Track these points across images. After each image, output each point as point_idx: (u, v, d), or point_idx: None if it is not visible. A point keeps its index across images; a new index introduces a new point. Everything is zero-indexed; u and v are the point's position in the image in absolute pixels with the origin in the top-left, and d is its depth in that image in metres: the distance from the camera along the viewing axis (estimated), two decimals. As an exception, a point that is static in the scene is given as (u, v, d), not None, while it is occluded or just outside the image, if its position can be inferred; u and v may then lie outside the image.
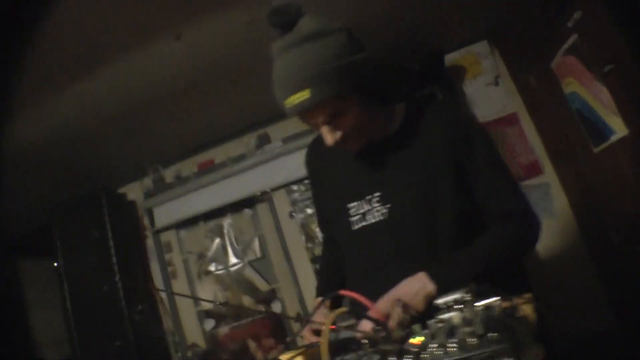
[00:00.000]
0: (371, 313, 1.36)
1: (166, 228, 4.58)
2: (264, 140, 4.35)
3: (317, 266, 4.15)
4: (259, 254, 4.39)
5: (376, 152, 1.64)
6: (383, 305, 1.41)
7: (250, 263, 4.40)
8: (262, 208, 4.40)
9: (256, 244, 4.39)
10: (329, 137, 1.50)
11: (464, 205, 1.58)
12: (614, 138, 2.89)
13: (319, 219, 2.05)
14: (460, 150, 1.57)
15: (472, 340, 0.99)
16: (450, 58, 4.04)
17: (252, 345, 4.30)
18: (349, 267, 1.81)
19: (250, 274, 4.38)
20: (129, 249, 4.50)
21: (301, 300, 4.17)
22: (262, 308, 4.33)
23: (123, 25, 2.70)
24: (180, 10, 2.70)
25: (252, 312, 4.33)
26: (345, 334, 1.40)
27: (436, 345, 1.03)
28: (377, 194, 1.64)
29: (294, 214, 4.26)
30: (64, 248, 4.42)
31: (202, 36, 2.98)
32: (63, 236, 4.42)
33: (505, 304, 1.11)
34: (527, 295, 1.26)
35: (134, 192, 4.72)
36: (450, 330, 1.06)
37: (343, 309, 1.39)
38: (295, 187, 4.27)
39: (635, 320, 3.18)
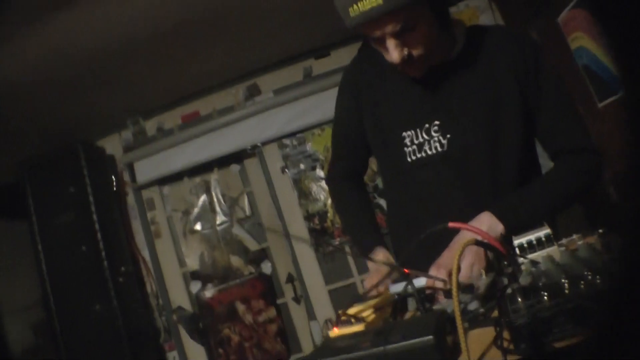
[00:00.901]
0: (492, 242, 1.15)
1: (148, 184, 4.31)
2: (254, 91, 4.10)
3: (310, 224, 3.96)
4: (248, 212, 4.17)
5: (435, 77, 1.51)
6: (458, 244, 1.31)
7: (239, 221, 4.16)
8: (251, 163, 4.17)
9: (245, 201, 4.17)
10: (396, 53, 1.37)
11: (529, 138, 1.51)
12: (621, 92, 2.78)
13: (338, 146, 1.79)
14: (528, 77, 1.47)
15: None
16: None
17: (240, 307, 4.08)
18: (401, 203, 1.66)
19: (239, 232, 4.14)
20: (109, 206, 4.24)
21: (294, 260, 3.98)
22: (251, 268, 4.10)
23: None
24: None
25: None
26: (419, 282, 1.28)
27: (565, 282, 0.85)
28: (436, 122, 1.52)
29: (286, 169, 4.02)
30: (37, 206, 4.14)
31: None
32: (36, 193, 4.14)
33: (592, 239, 1.00)
34: (599, 231, 1.10)
35: (113, 145, 4.41)
36: (560, 267, 0.92)
37: (471, 239, 1.16)
38: (287, 142, 4.05)
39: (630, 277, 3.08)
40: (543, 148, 1.54)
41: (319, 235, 3.91)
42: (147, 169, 4.24)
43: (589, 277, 0.83)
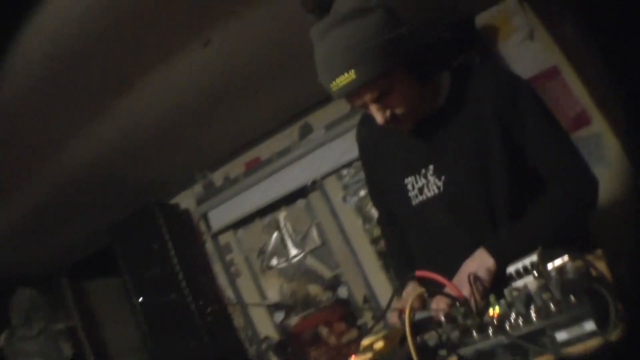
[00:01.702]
0: (448, 290, 1.37)
1: (223, 230, 4.66)
2: (307, 130, 4.37)
3: (377, 247, 4.18)
4: (318, 242, 4.43)
5: (426, 126, 1.63)
6: (457, 282, 1.42)
7: (311, 252, 4.45)
8: (315, 196, 4.42)
9: (314, 232, 4.43)
10: (379, 116, 1.51)
11: (518, 169, 1.56)
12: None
13: (372, 195, 2.04)
14: (508, 114, 1.54)
15: (552, 307, 0.99)
16: (480, 20, 3.98)
17: (324, 331, 4.37)
18: (413, 242, 1.83)
19: (312, 262, 4.43)
20: (190, 256, 4.63)
21: (366, 282, 4.21)
22: (328, 294, 4.38)
23: (152, 41, 2.75)
24: (204, 16, 2.73)
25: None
26: (420, 315, 1.45)
27: (515, 314, 1.04)
28: (431, 166, 1.64)
29: (347, 198, 4.27)
30: (127, 264, 4.60)
31: (229, 38, 3.00)
32: (125, 253, 4.61)
33: (577, 264, 1.10)
34: (598, 252, 1.29)
35: (186, 200, 4.82)
36: (528, 298, 1.07)
37: (422, 290, 1.42)
38: (344, 172, 4.27)
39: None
40: (536, 179, 1.59)
41: (387, 257, 4.13)
42: (220, 216, 4.60)
43: (532, 313, 1.00)
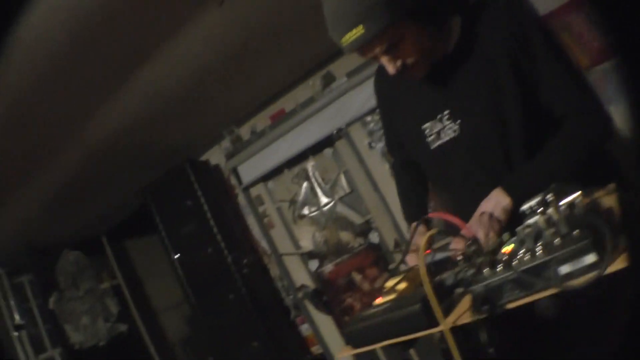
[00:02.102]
0: (462, 231, 1.40)
1: (254, 183, 4.75)
2: (329, 79, 4.37)
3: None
4: (347, 190, 4.48)
5: (440, 71, 1.63)
6: (472, 223, 1.46)
7: (341, 199, 4.51)
8: (341, 145, 4.46)
9: (343, 180, 4.48)
10: (390, 66, 1.52)
11: (532, 108, 1.56)
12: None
13: (389, 144, 2.08)
14: (520, 53, 1.53)
15: (557, 241, 1.03)
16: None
17: (357, 277, 4.46)
18: (434, 186, 1.88)
19: (342, 210, 4.49)
20: (223, 210, 4.75)
21: (396, 227, 4.24)
22: (360, 240, 4.46)
23: (168, 7, 2.77)
24: None
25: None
26: (440, 255, 1.49)
27: (524, 250, 1.08)
28: (447, 111, 1.65)
29: (373, 144, 4.30)
30: (164, 222, 4.74)
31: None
32: (161, 211, 4.74)
33: (586, 200, 1.14)
34: (610, 187, 1.30)
35: (215, 156, 4.93)
36: (538, 234, 1.10)
37: (434, 231, 1.46)
38: (369, 119, 4.29)
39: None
40: (550, 116, 1.57)
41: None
42: (250, 170, 4.69)
43: (538, 249, 1.05)
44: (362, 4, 1.41)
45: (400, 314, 1.25)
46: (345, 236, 4.50)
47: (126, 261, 5.60)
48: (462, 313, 1.17)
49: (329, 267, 4.52)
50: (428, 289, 1.15)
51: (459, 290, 1.29)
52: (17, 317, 4.66)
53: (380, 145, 4.27)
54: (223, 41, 3.36)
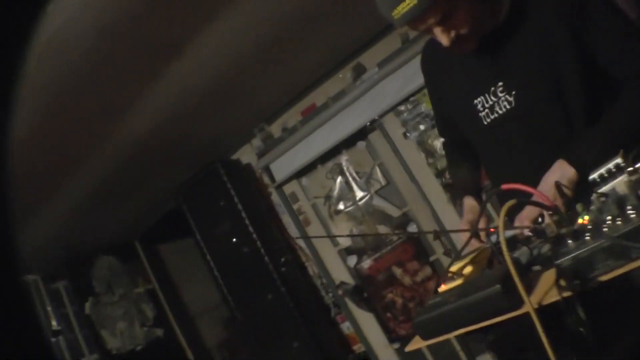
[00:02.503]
0: (541, 200, 1.31)
1: (287, 180, 4.69)
2: (360, 70, 4.30)
3: (443, 180, 4.12)
4: (383, 182, 4.41)
5: (490, 44, 1.59)
6: (545, 189, 1.38)
7: (377, 193, 4.43)
8: (374, 136, 4.39)
9: (378, 172, 4.41)
10: (444, 38, 1.49)
11: (590, 75, 1.51)
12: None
13: (439, 124, 2.03)
14: (575, 18, 1.48)
15: None
16: None
17: (397, 271, 4.36)
18: (489, 162, 1.81)
19: (379, 203, 4.42)
20: (258, 209, 4.69)
21: (435, 217, 4.16)
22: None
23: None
24: None
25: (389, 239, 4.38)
26: (508, 233, 1.38)
27: (611, 217, 0.99)
28: (500, 83, 1.61)
29: (407, 134, 4.21)
30: (198, 224, 4.71)
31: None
32: (194, 213, 4.71)
33: None
34: None
35: (247, 155, 4.88)
36: (619, 200, 1.03)
37: (512, 202, 1.36)
38: (402, 108, 4.21)
39: None
40: (609, 81, 1.53)
41: (453, 188, 4.07)
42: (282, 167, 4.62)
43: (629, 212, 0.96)
44: None
45: (478, 297, 1.13)
46: (383, 230, 4.41)
47: (160, 265, 5.58)
48: (547, 291, 1.07)
49: (368, 263, 4.43)
50: (509, 264, 1.04)
51: (536, 268, 1.19)
52: (54, 322, 4.64)
53: (415, 134, 4.19)
54: (253, 35, 3.33)
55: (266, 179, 4.77)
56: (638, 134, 1.42)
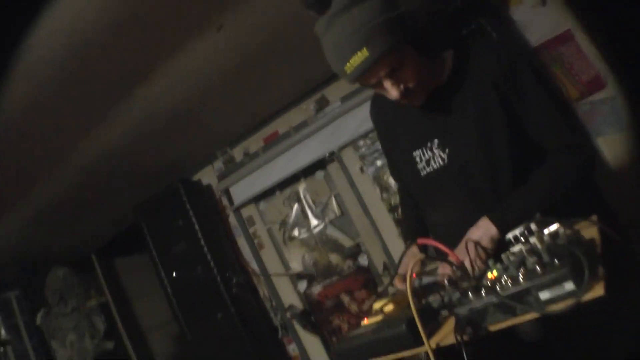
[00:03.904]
0: (450, 258, 1.46)
1: (245, 204, 4.79)
2: (323, 103, 4.43)
3: (395, 215, 4.26)
4: (338, 213, 4.53)
5: (432, 101, 1.71)
6: (459, 249, 1.52)
7: (331, 222, 4.55)
8: (333, 168, 4.51)
9: (334, 203, 4.53)
10: (394, 90, 1.58)
11: (519, 140, 1.63)
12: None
13: (390, 169, 2.16)
14: (507, 87, 1.61)
15: (538, 268, 1.11)
16: (491, -14, 3.98)
17: (345, 299, 4.49)
18: (424, 210, 1.93)
19: (333, 232, 4.54)
20: (214, 230, 4.78)
21: (385, 250, 4.30)
22: (349, 263, 4.50)
23: (166, 30, 2.82)
24: (215, 2, 2.80)
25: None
26: (427, 279, 1.58)
27: (507, 277, 1.15)
28: (436, 139, 1.73)
29: (364, 168, 4.35)
30: (155, 241, 4.77)
31: (241, 21, 3.04)
32: (151, 230, 4.76)
33: (569, 230, 1.21)
34: (592, 218, 1.37)
35: (208, 176, 4.96)
36: (521, 261, 1.17)
37: (421, 256, 1.53)
38: (361, 143, 4.34)
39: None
40: (536, 150, 1.65)
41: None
42: (242, 190, 4.73)
43: (520, 277, 1.12)
44: (363, 29, 1.47)
45: (388, 334, 1.32)
46: (335, 258, 4.54)
47: (115, 279, 5.58)
48: (446, 334, 1.25)
49: (317, 289, 4.55)
50: (413, 310, 1.22)
51: (445, 313, 1.36)
52: (2, 332, 4.62)
53: (371, 169, 4.33)
54: (219, 64, 3.43)
55: (225, 201, 4.86)
56: (558, 200, 1.55)
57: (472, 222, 1.57)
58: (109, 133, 3.58)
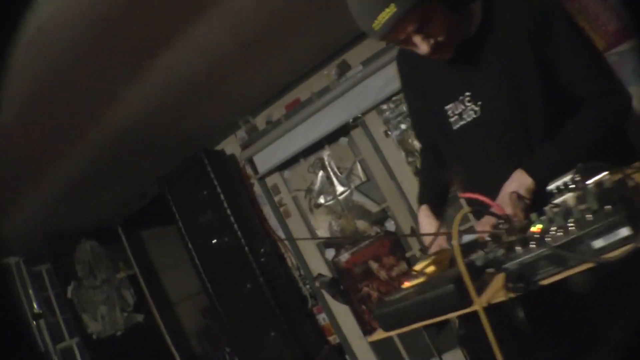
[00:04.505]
0: (493, 209, 1.40)
1: (269, 172, 4.77)
2: (344, 68, 4.35)
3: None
4: (363, 178, 4.49)
5: (461, 54, 1.66)
6: (499, 201, 1.47)
7: (357, 188, 4.52)
8: (357, 133, 4.46)
9: (359, 168, 4.49)
10: (424, 45, 1.55)
11: (552, 90, 1.58)
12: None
13: (416, 128, 2.11)
14: (540, 36, 1.56)
15: (589, 216, 1.04)
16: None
17: (374, 265, 4.45)
18: (455, 166, 1.87)
19: (359, 198, 4.50)
20: (240, 199, 4.75)
21: (412, 215, 4.25)
22: (377, 229, 4.45)
23: None
24: None
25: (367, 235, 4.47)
26: (467, 237, 1.52)
27: (555, 228, 1.09)
28: (468, 93, 1.70)
29: (389, 132, 4.29)
30: (181, 212, 4.76)
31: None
32: (177, 201, 4.75)
33: (615, 177, 1.15)
34: (637, 164, 1.31)
35: (231, 146, 4.95)
36: (567, 212, 1.12)
37: (466, 209, 1.46)
38: (384, 107, 4.28)
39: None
40: (568, 97, 1.61)
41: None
42: (266, 159, 4.70)
43: (570, 225, 1.06)
44: None
45: (434, 295, 1.25)
46: (362, 225, 4.50)
47: (142, 251, 5.63)
48: (496, 292, 1.18)
49: (345, 256, 4.51)
50: (462, 267, 1.15)
51: (490, 270, 1.29)
52: (35, 306, 4.69)
53: (396, 133, 4.27)
54: (239, 29, 3.37)
55: (249, 171, 4.83)
56: (593, 148, 1.52)
57: (505, 175, 1.54)
58: (132, 101, 3.55)
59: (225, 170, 4.76)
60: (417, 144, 4.18)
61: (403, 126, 4.24)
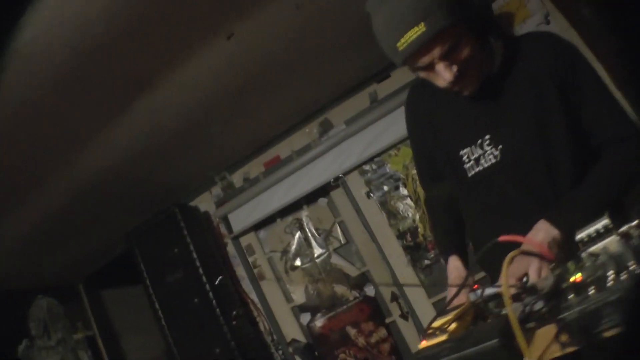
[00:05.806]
0: (541, 252, 1.32)
1: (244, 232, 4.59)
2: (327, 126, 4.29)
3: (404, 242, 4.10)
4: (342, 241, 4.36)
5: (481, 93, 1.59)
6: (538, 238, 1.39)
7: (336, 250, 4.38)
8: (337, 194, 4.36)
9: (338, 230, 4.36)
10: (447, 73, 1.46)
11: (577, 133, 1.55)
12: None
13: (422, 173, 1.98)
14: (566, 78, 1.53)
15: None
16: (495, 7, 3.92)
17: (352, 331, 4.27)
18: (472, 215, 1.78)
19: (337, 261, 4.35)
20: (212, 259, 4.55)
21: (394, 279, 4.11)
22: (355, 293, 4.29)
23: (175, 36, 2.70)
24: (228, 8, 2.69)
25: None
26: (489, 290, 1.36)
27: (612, 272, 1.00)
28: (487, 136, 1.62)
29: (371, 194, 4.19)
30: (148, 270, 4.53)
31: (252, 30, 2.95)
32: (146, 258, 4.52)
33: None
34: None
35: (205, 202, 4.76)
36: (614, 257, 1.03)
37: (515, 252, 1.31)
38: (367, 167, 4.21)
39: None
40: (592, 142, 1.58)
41: (414, 251, 4.06)
42: (241, 218, 4.52)
43: (632, 267, 0.97)
44: (422, 3, 1.39)
45: (476, 351, 1.07)
46: (340, 289, 4.34)
47: (103, 311, 5.31)
48: (546, 347, 1.03)
49: (321, 321, 4.33)
50: (513, 319, 1.02)
51: (530, 324, 1.12)
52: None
53: (378, 194, 4.18)
54: (225, 78, 3.31)
55: (223, 229, 4.64)
56: (618, 196, 1.50)
57: (529, 222, 1.44)
58: (106, 147, 3.40)
59: (198, 227, 4.55)
60: (400, 206, 4.11)
61: (385, 188, 4.16)
